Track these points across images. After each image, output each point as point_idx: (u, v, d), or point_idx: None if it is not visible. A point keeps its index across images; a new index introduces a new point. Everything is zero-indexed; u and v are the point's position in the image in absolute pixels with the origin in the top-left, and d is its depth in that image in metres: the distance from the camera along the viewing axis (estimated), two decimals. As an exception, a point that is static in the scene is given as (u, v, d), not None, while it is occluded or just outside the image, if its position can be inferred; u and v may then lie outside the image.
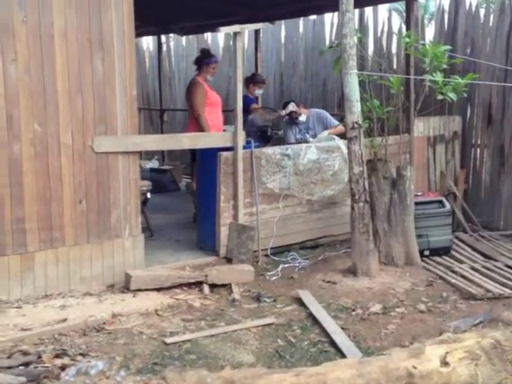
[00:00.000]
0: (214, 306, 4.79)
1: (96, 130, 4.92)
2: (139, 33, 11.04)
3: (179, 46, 12.00)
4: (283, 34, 9.94)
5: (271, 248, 5.98)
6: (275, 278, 5.47)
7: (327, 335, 4.20)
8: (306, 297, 4.87)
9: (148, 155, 10.56)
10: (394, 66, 8.00)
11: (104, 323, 4.35)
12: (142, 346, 4.04)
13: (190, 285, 5.14)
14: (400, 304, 4.78)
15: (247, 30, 5.47)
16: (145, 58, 12.77)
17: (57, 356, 3.79)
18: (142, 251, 5.27)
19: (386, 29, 8.26)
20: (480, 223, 7.00)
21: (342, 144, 6.33)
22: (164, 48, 12.05)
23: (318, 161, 6.18)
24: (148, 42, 13.02)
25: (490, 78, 6.99)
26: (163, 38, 12.03)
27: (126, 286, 4.98)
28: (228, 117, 8.06)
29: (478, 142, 7.30)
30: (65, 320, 4.30)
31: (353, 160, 5.30)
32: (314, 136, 7.20)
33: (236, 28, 5.34)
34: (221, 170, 5.61)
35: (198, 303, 4.81)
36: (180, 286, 5.10)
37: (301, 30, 9.64)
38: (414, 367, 2.92)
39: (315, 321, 4.46)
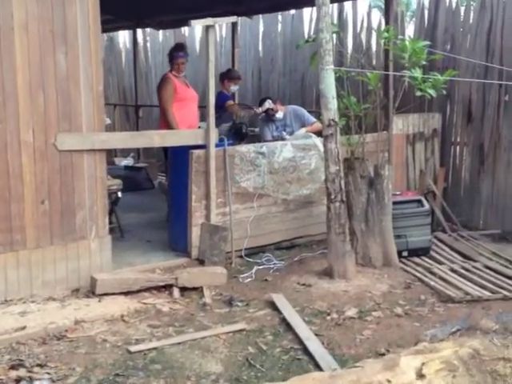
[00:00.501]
0: (184, 310, 4.59)
1: (59, 126, 4.68)
2: (114, 27, 10.86)
3: (156, 40, 11.76)
4: (261, 29, 9.74)
5: (245, 249, 5.79)
6: (249, 280, 5.27)
7: (300, 342, 4.02)
8: (280, 301, 4.68)
9: (124, 152, 10.31)
10: (374, 63, 7.83)
11: (66, 330, 4.13)
12: (105, 355, 3.83)
13: (159, 288, 4.94)
14: (376, 307, 4.61)
15: (220, 23, 5.23)
16: (121, 52, 12.52)
17: (12, 367, 3.58)
18: (109, 253, 5.05)
19: (365, 24, 8.09)
20: (459, 222, 6.86)
21: (318, 142, 6.14)
22: (140, 43, 11.83)
23: (293, 159, 6.00)
24: (124, 36, 12.79)
25: (469, 75, 6.85)
26: (140, 32, 11.80)
27: (91, 291, 4.76)
28: (204, 113, 7.84)
29: (458, 139, 7.16)
30: (24, 328, 4.07)
31: (329, 158, 5.12)
32: (291, 133, 7.02)
33: (208, 21, 5.13)
34: (192, 168, 5.40)
35: (167, 308, 4.61)
36: (149, 289, 4.89)
37: (279, 25, 9.46)
38: (389, 381, 2.74)
39: (288, 326, 4.27)
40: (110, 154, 9.28)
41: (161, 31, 11.32)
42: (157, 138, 5.20)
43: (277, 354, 3.89)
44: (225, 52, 10.13)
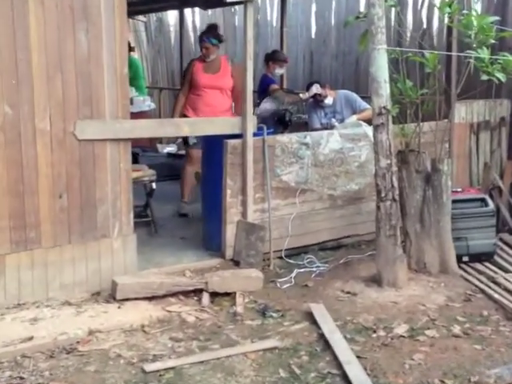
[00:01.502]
0: (211, 321, 4.10)
1: (79, 113, 4.24)
2: (161, 7, 10.39)
3: (204, 20, 11.26)
4: (314, 8, 9.12)
5: (286, 249, 5.26)
6: (287, 285, 4.75)
7: (339, 365, 3.47)
8: (320, 312, 4.14)
9: (171, 138, 9.93)
10: (435, 43, 7.14)
11: (77, 342, 3.71)
12: (116, 375, 3.38)
13: (187, 293, 4.47)
14: (431, 324, 4.02)
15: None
16: (170, 34, 12.08)
17: (10, 387, 3.18)
18: (133, 253, 4.61)
19: (426, 0, 7.36)
20: (528, 222, 6.13)
21: (370, 131, 5.52)
22: (189, 24, 11.38)
23: (341, 150, 5.41)
24: (175, 17, 12.36)
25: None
26: (189, 12, 11.35)
27: (112, 295, 4.33)
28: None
29: (529, 128, 6.40)
30: (31, 338, 3.67)
31: (379, 151, 4.53)
32: (342, 121, 6.43)
33: (246, -4, 4.59)
34: (227, 160, 4.90)
35: (193, 317, 4.13)
36: (176, 294, 4.43)
37: (333, 3, 8.80)
38: None
39: (327, 345, 3.73)
40: (155, 140, 8.91)
41: (209, 11, 10.81)
42: (186, 127, 4.70)
43: (311, 379, 3.36)
44: (274, 33, 9.56)
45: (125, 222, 4.53)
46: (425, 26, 7.09)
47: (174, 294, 4.42)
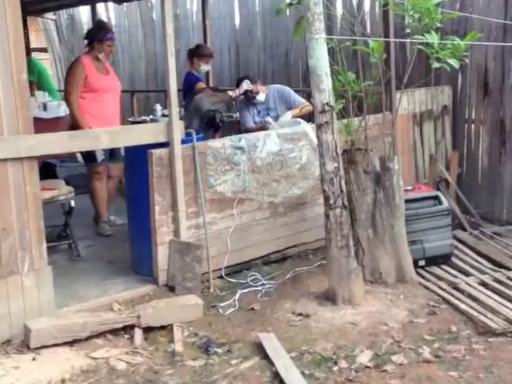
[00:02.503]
0: (146, 365, 3.50)
1: (-30, 130, 3.55)
2: (71, 2, 9.61)
3: (120, 17, 10.53)
4: (236, -3, 8.55)
5: (226, 267, 4.70)
6: (231, 310, 4.19)
7: (301, 412, 2.96)
8: (271, 344, 3.60)
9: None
10: (368, 29, 6.70)
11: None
12: None
13: (117, 331, 3.85)
14: (396, 348, 3.55)
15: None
16: (83, 31, 11.25)
17: None
18: (49, 289, 3.93)
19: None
20: (478, 215, 5.79)
21: (310, 129, 5.04)
22: (105, 20, 10.59)
23: (280, 153, 4.88)
24: (88, 14, 11.53)
25: (485, 39, 5.71)
26: (102, 8, 10.58)
27: (26, 343, 3.66)
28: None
29: (473, 116, 6.03)
30: None
31: (324, 153, 4.02)
32: (277, 118, 5.91)
33: (161, -16, 3.97)
34: (153, 172, 4.28)
35: (124, 363, 3.51)
36: (103, 333, 3.81)
37: (256, -11, 8.26)
38: None
39: (283, 385, 3.21)
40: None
41: (124, 6, 10.08)
42: (105, 138, 4.04)
43: None
44: (196, 26, 8.94)
45: (36, 254, 3.85)
46: (356, 9, 6.62)
47: (100, 334, 3.80)
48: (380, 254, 4.44)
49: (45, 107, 8.49)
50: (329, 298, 4.17)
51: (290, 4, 4.39)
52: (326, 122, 3.98)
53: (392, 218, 4.41)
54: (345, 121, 4.49)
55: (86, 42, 5.75)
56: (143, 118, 7.74)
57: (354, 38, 4.25)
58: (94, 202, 5.73)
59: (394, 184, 4.39)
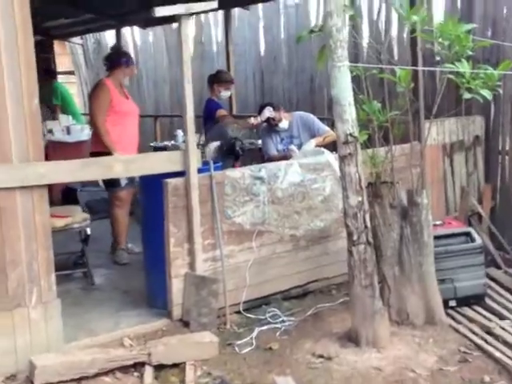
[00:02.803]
0: (155, 408, 3.30)
1: (-23, 157, 3.43)
2: (97, 27, 9.64)
3: (146, 41, 10.50)
4: (261, 23, 8.44)
5: (244, 302, 4.48)
6: (248, 349, 3.97)
7: None
8: (288, 389, 3.38)
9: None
10: (395, 56, 6.51)
11: None
12: None
13: (126, 368, 3.67)
14: (425, 399, 3.29)
15: (195, 11, 3.93)
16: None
17: None
18: (58, 323, 3.76)
19: (384, 8, 6.71)
20: (513, 251, 5.50)
21: (333, 159, 4.83)
22: (129, 45, 10.59)
23: (302, 183, 4.67)
24: (113, 37, 11.57)
25: (519, 67, 5.47)
26: (129, 32, 10.59)
27: (30, 379, 3.49)
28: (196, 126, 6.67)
29: (507, 147, 5.76)
30: None
31: (348, 187, 3.81)
32: (300, 146, 5.73)
33: (179, 9, 3.82)
34: (168, 203, 4.11)
35: (132, 405, 3.32)
36: (112, 370, 3.62)
37: (282, 17, 8.14)
38: None
39: None
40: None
41: (150, 30, 10.06)
42: (118, 167, 3.89)
43: None
44: (221, 51, 8.84)
45: (45, 286, 3.69)
46: (383, 37, 6.44)
47: (109, 372, 3.62)
48: (407, 294, 4.18)
49: (68, 131, 8.44)
50: (352, 339, 3.92)
51: (312, 31, 4.22)
52: (350, 154, 3.78)
53: (420, 256, 4.16)
54: (370, 151, 4.28)
55: (105, 66, 5.67)
56: (165, 143, 7.63)
57: (379, 66, 4.04)
58: (115, 228, 5.58)
59: (423, 219, 4.15)
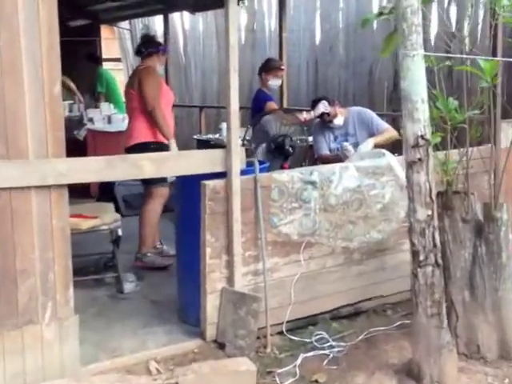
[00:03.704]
0: None
1: (-13, 151, 2.99)
2: (144, 12, 9.21)
3: (196, 27, 10.03)
4: (318, 9, 7.85)
5: (288, 322, 3.95)
6: (290, 380, 3.44)
7: None
8: None
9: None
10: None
11: None
12: None
13: (150, 398, 3.19)
14: None
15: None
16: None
17: None
18: (74, 343, 3.29)
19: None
20: None
21: (395, 162, 4.25)
22: (179, 29, 10.16)
23: (359, 189, 4.10)
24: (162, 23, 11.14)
25: None
26: (178, 18, 10.15)
27: (39, 408, 3.05)
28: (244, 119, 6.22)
29: None
30: None
31: (415, 198, 3.23)
32: (356, 145, 5.16)
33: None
34: (206, 208, 3.61)
35: None
36: (134, 400, 3.15)
37: (341, 3, 7.53)
38: None
39: None
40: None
41: (200, 16, 9.58)
42: (148, 166, 3.39)
43: None
44: (273, 39, 8.30)
45: (61, 300, 3.23)
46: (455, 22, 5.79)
47: (130, 402, 3.14)
48: (478, 322, 3.59)
49: (109, 120, 8.06)
50: (412, 374, 3.35)
51: (380, 14, 3.63)
52: (420, 160, 3.19)
53: (496, 280, 3.56)
54: (440, 155, 3.67)
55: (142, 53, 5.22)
56: (209, 136, 7.15)
57: (463, 56, 3.43)
58: (145, 227, 5.08)
59: (501, 238, 3.54)
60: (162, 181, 4.92)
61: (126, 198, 6.74)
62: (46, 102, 3.08)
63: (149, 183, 5.00)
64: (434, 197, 3.23)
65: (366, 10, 7.03)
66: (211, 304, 3.71)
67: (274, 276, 3.89)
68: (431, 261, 3.25)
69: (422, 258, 3.25)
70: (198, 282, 3.77)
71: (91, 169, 3.28)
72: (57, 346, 3.23)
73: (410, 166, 3.23)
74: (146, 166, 3.38)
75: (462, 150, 3.69)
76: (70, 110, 8.48)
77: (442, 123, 3.57)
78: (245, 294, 3.70)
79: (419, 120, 3.17)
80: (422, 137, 3.17)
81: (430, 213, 3.22)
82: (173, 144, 4.91)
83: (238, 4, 3.66)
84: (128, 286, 4.61)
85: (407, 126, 3.20)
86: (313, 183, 3.91)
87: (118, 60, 11.81)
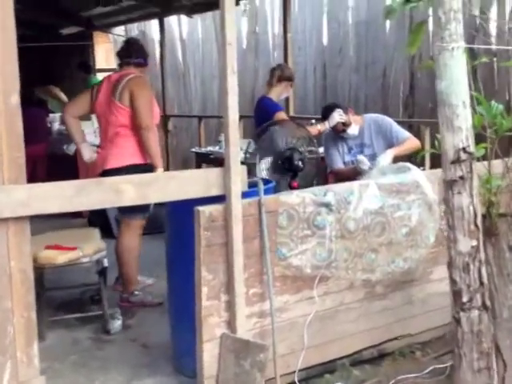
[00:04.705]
0: None
1: None
2: (140, 16, 8.69)
3: (194, 31, 9.48)
4: (326, 8, 7.27)
5: (301, 370, 3.34)
6: None
7: None
8: None
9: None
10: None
11: None
12: None
13: None
14: None
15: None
16: (154, 49, 10.30)
17: None
18: (41, 409, 2.71)
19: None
20: None
21: (422, 177, 3.65)
22: (175, 35, 9.61)
23: (381, 211, 3.49)
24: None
25: None
26: (175, 22, 9.61)
27: None
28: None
29: None
30: None
31: (457, 225, 2.62)
32: (373, 158, 4.56)
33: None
34: (201, 239, 3.00)
35: None
36: None
37: (350, 1, 6.95)
38: None
39: None
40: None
41: (199, 19, 9.02)
42: (130, 191, 2.78)
43: None
44: (277, 41, 7.73)
45: (23, 359, 2.64)
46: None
47: None
48: (531, 372, 2.98)
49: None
50: None
51: (408, 1, 3.02)
52: (461, 178, 2.59)
53: (552, 321, 2.95)
54: (478, 166, 3.06)
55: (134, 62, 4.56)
56: (209, 148, 6.56)
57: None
58: (129, 265, 4.42)
59: (557, 270, 2.93)
60: (143, 211, 4.27)
61: (118, 218, 6.14)
62: (2, 114, 2.50)
63: (126, 211, 4.28)
64: (479, 223, 2.63)
65: (378, 6, 6.43)
66: (209, 354, 3.09)
67: (284, 317, 3.28)
68: (477, 303, 2.65)
69: (465, 299, 2.65)
70: (194, 327, 3.16)
71: (58, 196, 2.67)
72: (18, 416, 2.63)
73: (449, 185, 2.63)
74: (128, 190, 2.77)
75: (506, 159, 3.09)
76: (62, 123, 7.91)
77: (483, 131, 2.96)
78: (249, 341, 3.09)
79: (460, 129, 2.57)
80: (465, 149, 2.58)
81: (475, 243, 2.62)
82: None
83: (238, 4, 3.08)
84: (115, 326, 4.02)
85: (445, 136, 2.61)
86: (327, 205, 3.29)
87: (111, 70, 11.30)
